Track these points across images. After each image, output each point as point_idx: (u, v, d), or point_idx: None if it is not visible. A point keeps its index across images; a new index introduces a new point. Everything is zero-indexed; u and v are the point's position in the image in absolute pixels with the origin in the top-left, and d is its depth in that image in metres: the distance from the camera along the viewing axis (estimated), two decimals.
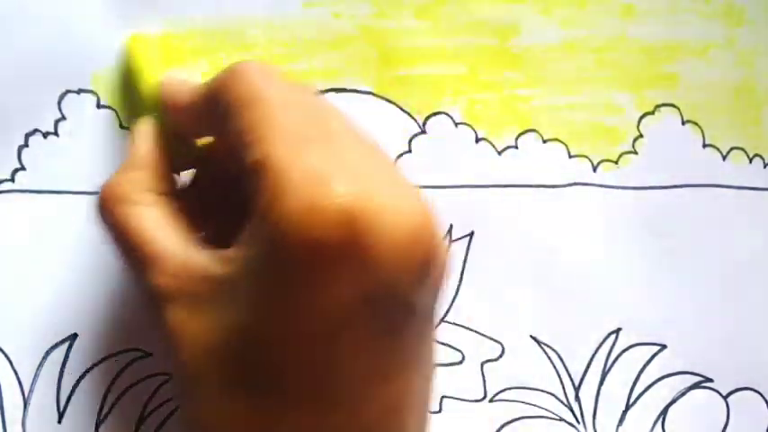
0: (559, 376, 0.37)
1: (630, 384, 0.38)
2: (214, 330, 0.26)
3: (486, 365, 0.37)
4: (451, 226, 0.37)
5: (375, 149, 0.28)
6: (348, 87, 0.37)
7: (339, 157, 0.26)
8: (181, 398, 0.28)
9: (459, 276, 0.37)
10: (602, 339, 0.38)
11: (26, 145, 0.35)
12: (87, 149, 0.36)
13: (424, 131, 0.37)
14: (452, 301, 0.37)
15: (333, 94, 0.37)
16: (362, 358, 0.26)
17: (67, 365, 0.35)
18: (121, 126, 0.36)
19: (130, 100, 0.36)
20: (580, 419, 0.37)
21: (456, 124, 0.38)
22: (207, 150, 0.33)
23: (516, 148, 0.38)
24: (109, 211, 0.30)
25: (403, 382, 0.27)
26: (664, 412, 0.38)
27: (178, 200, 0.31)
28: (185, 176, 0.34)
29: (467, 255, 0.37)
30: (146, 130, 0.32)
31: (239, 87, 0.28)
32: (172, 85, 0.32)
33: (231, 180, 0.30)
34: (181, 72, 0.33)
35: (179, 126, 0.32)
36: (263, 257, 0.25)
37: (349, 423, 0.26)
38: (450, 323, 0.37)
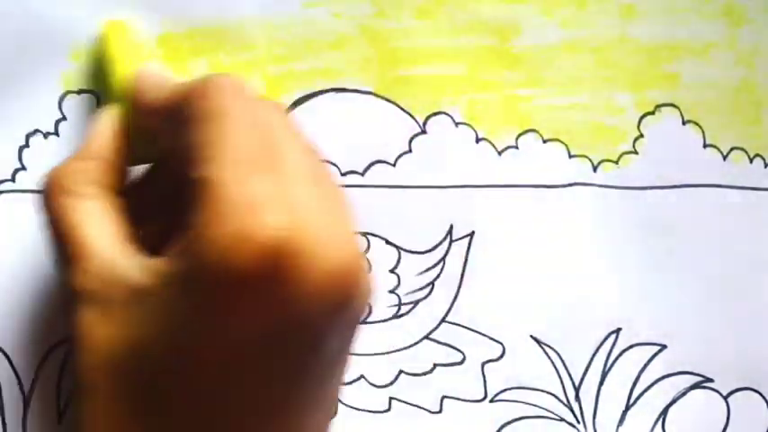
0: (560, 376, 0.37)
1: (631, 384, 0.38)
2: (120, 339, 0.26)
3: (486, 365, 0.37)
4: (452, 226, 0.37)
5: (324, 181, 0.28)
6: (348, 87, 0.37)
7: (281, 188, 0.25)
8: (74, 402, 0.28)
9: (459, 276, 0.37)
10: (602, 339, 0.38)
11: (27, 145, 0.35)
12: None
13: (424, 131, 0.37)
14: (453, 301, 0.37)
15: (333, 94, 0.37)
16: (259, 396, 0.26)
17: (68, 365, 0.35)
18: None
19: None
20: (580, 419, 0.37)
21: (456, 124, 0.38)
22: (164, 152, 0.32)
23: (516, 147, 0.38)
24: (49, 199, 0.30)
25: (297, 422, 0.27)
26: (664, 412, 0.38)
27: (124, 195, 0.31)
28: (137, 170, 0.33)
29: (467, 255, 0.37)
30: (107, 119, 0.32)
31: (205, 100, 0.27)
32: (145, 79, 0.31)
33: (176, 187, 0.29)
34: (157, 65, 0.33)
35: (144, 122, 0.31)
36: (185, 277, 0.25)
37: None
38: (450, 323, 0.37)
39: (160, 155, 0.33)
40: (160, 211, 0.32)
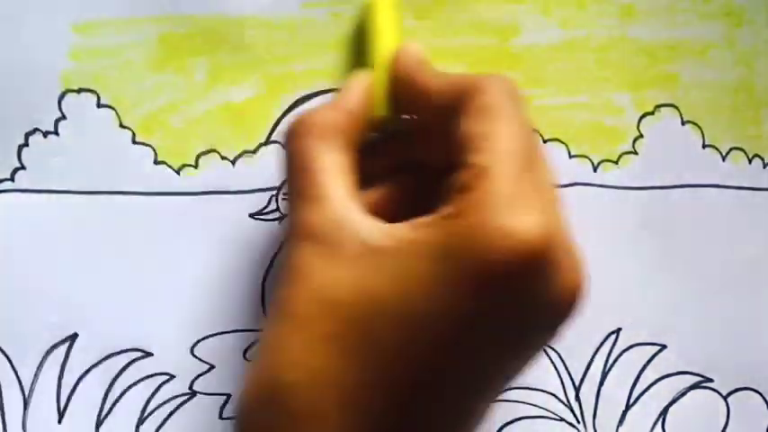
0: (560, 376, 0.37)
1: (631, 384, 0.38)
2: (346, 284, 0.27)
3: None
4: None
5: (556, 191, 0.30)
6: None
7: (539, 189, 0.28)
8: (268, 326, 0.29)
9: None
10: (602, 339, 0.38)
11: (26, 144, 0.35)
12: (87, 149, 0.36)
13: None
14: None
15: (333, 94, 0.37)
16: (468, 379, 0.28)
17: (68, 365, 0.35)
18: (121, 125, 0.36)
19: (131, 98, 0.36)
20: (580, 419, 0.37)
21: None
22: (405, 124, 0.34)
23: None
24: (300, 138, 0.31)
25: (480, 408, 0.29)
26: (664, 412, 0.38)
27: (357, 155, 0.32)
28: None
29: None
30: (363, 80, 0.33)
31: (486, 96, 0.29)
32: (411, 57, 0.33)
33: (413, 163, 0.33)
34: (419, 46, 0.33)
35: (402, 95, 0.33)
36: (442, 253, 0.26)
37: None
38: None
39: (399, 127, 0.34)
40: (383, 178, 0.34)
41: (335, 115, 0.31)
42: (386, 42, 0.34)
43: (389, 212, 0.31)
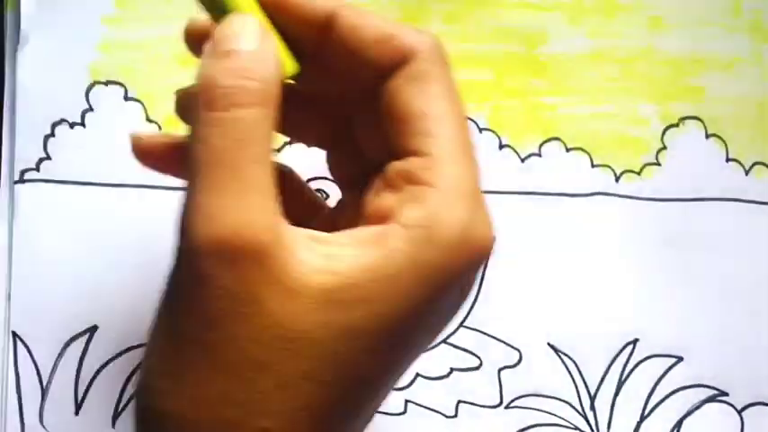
0: (575, 385, 0.37)
1: (646, 395, 0.38)
2: (306, 322, 0.24)
3: (503, 372, 0.37)
4: None
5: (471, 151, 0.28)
6: None
7: (480, 201, 0.26)
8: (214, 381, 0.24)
9: (479, 282, 0.37)
10: (619, 349, 0.38)
11: (52, 134, 0.35)
12: (113, 141, 0.35)
13: None
14: (471, 307, 0.37)
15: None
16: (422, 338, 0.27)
17: (86, 357, 0.35)
18: (148, 119, 0.36)
19: (159, 92, 0.36)
20: (595, 429, 0.37)
21: (480, 130, 0.38)
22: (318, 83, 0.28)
23: (540, 155, 0.38)
24: (224, 107, 0.24)
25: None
26: (678, 424, 0.38)
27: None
28: None
29: (487, 260, 0.37)
30: (257, 28, 0.25)
31: (425, 64, 0.26)
32: None
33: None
34: None
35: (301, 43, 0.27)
36: (415, 268, 0.24)
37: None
38: (468, 328, 0.37)
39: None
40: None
41: (268, 84, 0.24)
42: None
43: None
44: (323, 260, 0.24)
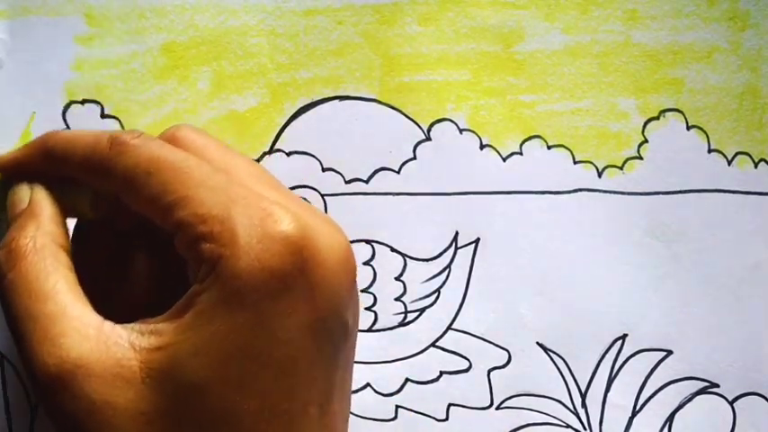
0: (566, 383, 0.37)
1: (637, 390, 0.38)
2: (150, 401, 0.26)
3: (492, 373, 0.37)
4: (457, 233, 0.37)
5: (285, 189, 0.30)
6: (352, 95, 0.37)
7: (265, 197, 0.28)
8: None
9: (465, 283, 0.37)
10: (608, 345, 0.38)
11: None
12: None
13: (428, 138, 0.37)
14: (459, 309, 0.37)
15: (337, 101, 0.37)
16: (316, 383, 0.28)
17: None
18: None
19: (135, 108, 0.36)
20: (587, 426, 0.37)
21: (460, 131, 0.38)
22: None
23: (521, 154, 0.38)
24: (10, 269, 0.28)
25: (340, 399, 0.29)
26: (670, 418, 0.38)
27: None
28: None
29: (472, 262, 0.37)
30: (26, 189, 0.31)
31: (135, 157, 0.28)
32: (60, 136, 0.31)
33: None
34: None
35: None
36: (222, 300, 0.26)
37: None
38: (456, 330, 0.37)
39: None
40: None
41: (39, 228, 0.29)
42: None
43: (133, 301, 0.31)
44: (151, 340, 0.27)
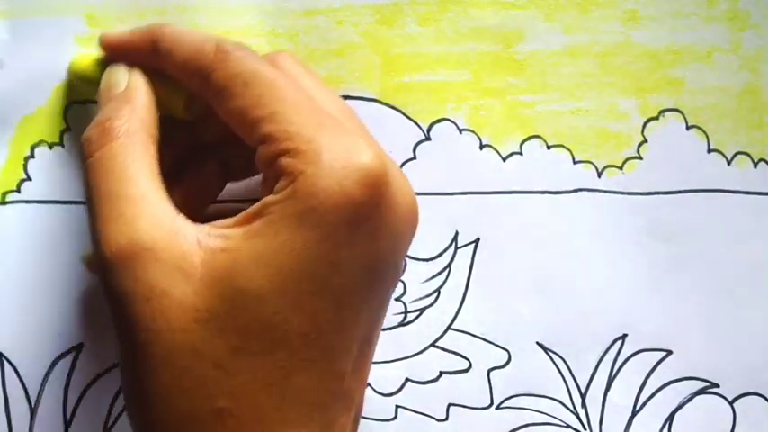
0: (566, 383, 0.37)
1: (637, 390, 0.38)
2: (207, 299, 0.27)
3: (492, 372, 0.37)
4: (457, 233, 0.37)
5: (370, 134, 0.31)
6: (352, 95, 0.37)
7: (353, 131, 0.29)
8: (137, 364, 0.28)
9: (465, 283, 0.37)
10: (608, 345, 0.38)
11: (32, 156, 0.35)
12: None
13: (428, 138, 0.37)
14: (459, 308, 0.37)
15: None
16: (363, 322, 0.28)
17: (74, 375, 0.35)
18: None
19: None
20: (587, 426, 0.37)
21: (460, 131, 0.38)
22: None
23: (521, 154, 0.38)
24: (103, 144, 0.29)
25: (375, 344, 0.30)
26: (670, 418, 0.38)
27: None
28: None
29: (472, 261, 0.37)
30: (131, 75, 0.32)
31: (236, 66, 0.29)
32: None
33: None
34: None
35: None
36: (294, 215, 0.26)
37: (332, 388, 0.28)
38: (456, 330, 0.37)
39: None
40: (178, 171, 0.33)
41: (134, 113, 0.30)
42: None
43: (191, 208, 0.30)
44: (218, 242, 0.27)
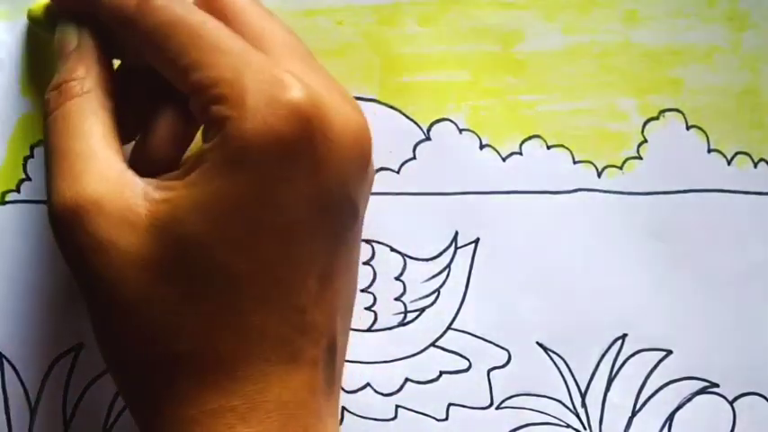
0: (566, 383, 0.37)
1: (637, 390, 0.38)
2: (151, 250, 0.27)
3: (492, 372, 0.37)
4: (457, 233, 0.37)
5: (315, 63, 0.30)
6: (352, 95, 0.37)
7: (281, 65, 0.28)
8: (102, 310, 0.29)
9: (464, 283, 0.37)
10: (608, 345, 0.38)
11: (32, 156, 0.35)
12: None
13: (428, 138, 0.37)
14: (458, 308, 0.37)
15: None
16: (317, 256, 0.28)
17: (74, 375, 0.35)
18: None
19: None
20: (587, 426, 0.37)
21: (460, 131, 0.38)
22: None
23: (521, 154, 0.38)
24: (59, 102, 0.30)
25: (343, 278, 0.30)
26: (670, 418, 0.38)
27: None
28: None
29: (472, 261, 0.37)
30: (80, 33, 0.31)
31: (156, 17, 0.29)
32: None
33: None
34: None
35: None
36: (225, 160, 0.27)
37: (292, 322, 0.28)
38: (456, 330, 0.37)
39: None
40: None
41: (88, 72, 0.30)
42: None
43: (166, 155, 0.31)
44: (162, 193, 0.28)
